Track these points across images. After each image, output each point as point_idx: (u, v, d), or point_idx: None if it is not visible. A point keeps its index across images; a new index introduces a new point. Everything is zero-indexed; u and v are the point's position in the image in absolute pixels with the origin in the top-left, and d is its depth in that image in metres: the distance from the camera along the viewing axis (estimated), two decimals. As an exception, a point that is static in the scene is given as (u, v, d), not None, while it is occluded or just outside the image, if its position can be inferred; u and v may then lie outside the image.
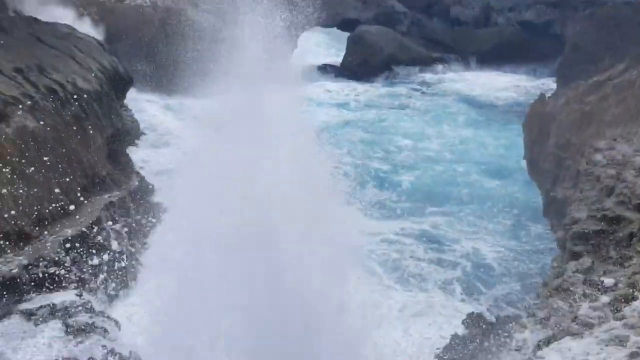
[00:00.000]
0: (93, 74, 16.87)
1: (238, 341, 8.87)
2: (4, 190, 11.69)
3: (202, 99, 29.14)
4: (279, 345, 8.54)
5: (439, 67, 38.01)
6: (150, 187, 17.14)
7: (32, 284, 10.48)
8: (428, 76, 36.88)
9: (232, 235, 8.97)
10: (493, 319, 11.19)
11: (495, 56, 38.13)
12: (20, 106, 13.43)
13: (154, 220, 15.47)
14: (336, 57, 41.48)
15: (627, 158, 9.64)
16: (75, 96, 15.44)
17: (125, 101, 21.28)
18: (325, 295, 8.93)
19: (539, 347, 8.08)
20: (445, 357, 10.91)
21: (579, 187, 10.36)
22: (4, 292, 9.91)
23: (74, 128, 14.94)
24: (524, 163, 17.63)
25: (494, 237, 16.29)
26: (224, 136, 9.73)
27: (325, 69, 40.78)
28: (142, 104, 26.46)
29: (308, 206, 9.01)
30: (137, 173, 17.62)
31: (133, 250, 14.05)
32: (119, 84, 18.50)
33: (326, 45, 46.59)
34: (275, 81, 9.32)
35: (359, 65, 37.36)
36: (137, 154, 19.54)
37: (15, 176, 12.12)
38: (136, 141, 20.49)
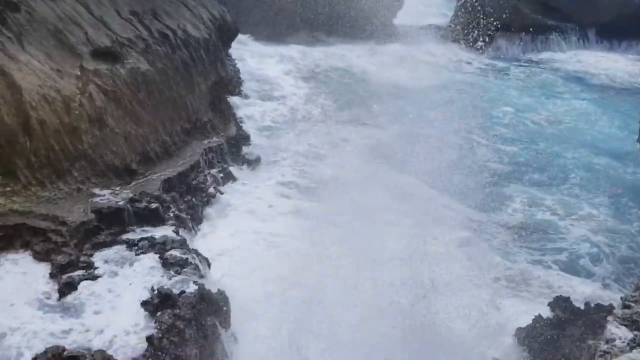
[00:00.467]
0: (203, 22, 17.37)
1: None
2: (117, 129, 12.51)
3: (309, 51, 29.34)
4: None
5: (552, 38, 35.57)
6: (247, 136, 17.63)
7: (135, 217, 11.22)
8: (539, 47, 34.74)
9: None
10: (582, 306, 10.71)
11: (617, 28, 35.13)
12: (135, 49, 14.16)
13: (248, 169, 16.04)
14: (443, 19, 39.88)
15: None
16: (184, 42, 16.05)
17: (235, 49, 21.95)
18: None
19: (629, 345, 7.63)
20: (522, 336, 10.67)
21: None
22: (111, 222, 10.71)
23: (182, 73, 15.60)
24: (637, 146, 16.43)
25: (597, 219, 15.47)
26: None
27: (430, 29, 39.31)
28: (249, 52, 27.03)
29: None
30: (236, 122, 18.18)
31: (226, 195, 14.60)
32: (226, 33, 18.99)
33: (434, 6, 44.79)
34: (378, 39, 9.22)
35: (466, 28, 35.74)
36: (239, 104, 20.02)
37: (127, 116, 12.90)
38: (239, 90, 21.04)
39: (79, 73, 12.33)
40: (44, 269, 9.34)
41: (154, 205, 11.48)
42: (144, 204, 11.45)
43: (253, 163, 16.35)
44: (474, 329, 10.34)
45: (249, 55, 26.92)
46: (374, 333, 9.48)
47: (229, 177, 15.21)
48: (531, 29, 35.32)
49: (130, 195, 11.56)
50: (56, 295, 8.79)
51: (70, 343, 7.79)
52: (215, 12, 18.61)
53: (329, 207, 14.01)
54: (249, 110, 20.01)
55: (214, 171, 15.02)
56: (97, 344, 7.96)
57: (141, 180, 12.59)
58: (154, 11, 15.74)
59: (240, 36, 24.41)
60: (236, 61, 22.75)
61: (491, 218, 15.43)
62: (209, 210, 13.74)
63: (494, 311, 11.30)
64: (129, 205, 11.20)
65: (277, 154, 17.45)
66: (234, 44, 21.97)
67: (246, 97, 21.05)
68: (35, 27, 12.40)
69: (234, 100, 19.76)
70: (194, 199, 13.48)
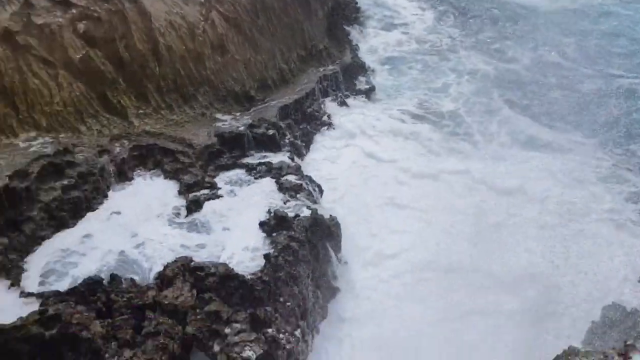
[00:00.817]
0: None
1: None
2: (237, 55, 12.85)
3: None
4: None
5: None
6: (362, 64, 17.40)
7: (254, 141, 11.67)
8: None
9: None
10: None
11: None
12: (255, -26, 14.20)
13: (363, 98, 15.93)
14: None
15: None
16: (302, -33, 15.83)
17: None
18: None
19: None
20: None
21: None
22: (232, 146, 11.24)
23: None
24: None
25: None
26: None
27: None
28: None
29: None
30: (352, 49, 17.94)
31: (339, 123, 14.66)
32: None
33: None
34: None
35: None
36: (356, 34, 19.60)
37: (246, 42, 13.18)
38: (356, 16, 20.59)
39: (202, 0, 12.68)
40: (173, 186, 10.10)
41: (271, 132, 11.84)
42: (262, 130, 11.84)
43: (368, 92, 16.19)
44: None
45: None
46: None
47: (343, 105, 15.23)
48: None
49: (250, 121, 11.99)
50: (184, 211, 9.52)
51: (195, 255, 8.47)
52: None
53: (448, 135, 13.81)
54: (367, 40, 19.60)
55: (328, 99, 15.11)
56: (219, 258, 8.59)
57: (259, 107, 12.99)
58: None
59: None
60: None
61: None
62: (322, 138, 13.92)
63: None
64: (248, 131, 11.64)
65: (395, 85, 17.14)
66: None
67: (363, 25, 20.55)
68: (163, -46, 12.79)
69: (351, 29, 19.41)
70: (308, 126, 13.72)
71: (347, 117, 14.62)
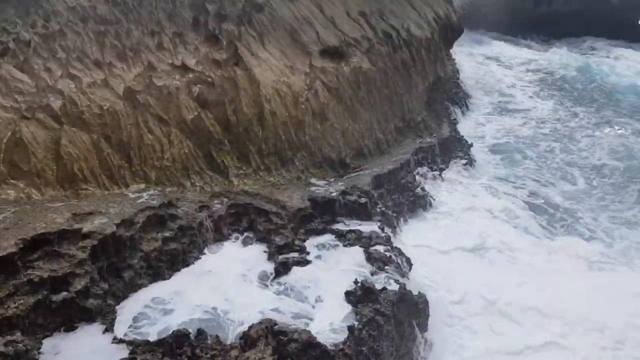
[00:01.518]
0: (427, 22, 17.41)
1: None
2: (336, 124, 13.22)
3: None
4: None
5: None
6: (463, 141, 17.20)
7: (345, 208, 11.76)
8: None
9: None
10: None
11: None
12: (359, 48, 14.77)
13: (461, 172, 15.71)
14: None
15: None
16: (406, 42, 16.27)
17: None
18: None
19: None
20: None
21: None
22: (324, 211, 11.38)
23: (401, 72, 15.86)
24: None
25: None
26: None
27: None
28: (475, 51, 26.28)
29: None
30: (450, 123, 17.91)
31: (433, 197, 14.50)
32: (450, 33, 18.74)
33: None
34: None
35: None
36: (457, 113, 19.53)
37: (346, 111, 13.56)
38: (457, 92, 20.60)
39: (308, 70, 13.29)
40: (264, 247, 10.31)
41: (363, 200, 11.89)
42: (354, 198, 11.92)
43: (467, 167, 15.97)
44: None
45: (474, 55, 26.33)
46: None
47: (438, 179, 15.08)
48: None
49: (343, 187, 12.13)
50: (272, 273, 9.65)
51: (279, 319, 8.48)
52: (440, 10, 18.54)
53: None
54: (467, 120, 19.47)
55: (423, 171, 15.04)
56: (302, 324, 8.55)
57: (353, 175, 13.15)
58: (381, 11, 16.23)
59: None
60: (455, 61, 22.38)
61: None
62: (415, 210, 13.79)
63: None
64: (340, 197, 11.76)
65: (498, 164, 16.71)
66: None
67: (466, 107, 20.43)
68: (275, 27, 13.68)
69: (450, 105, 19.41)
70: (400, 197, 13.66)
71: (441, 190, 14.41)
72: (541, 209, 14.34)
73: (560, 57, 27.93)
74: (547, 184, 15.70)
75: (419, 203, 13.90)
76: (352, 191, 12.12)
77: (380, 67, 15.10)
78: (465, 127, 18.66)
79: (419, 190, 14.22)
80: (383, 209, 12.70)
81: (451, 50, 21.29)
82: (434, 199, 14.17)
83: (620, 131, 19.07)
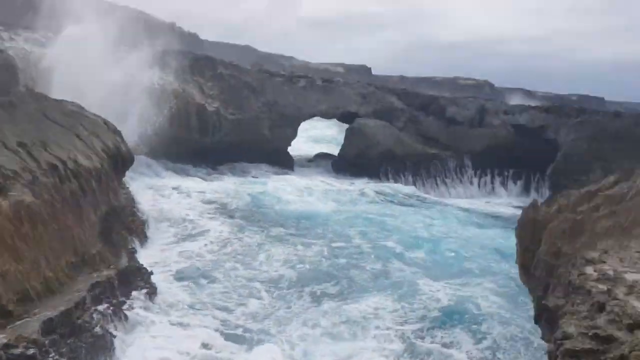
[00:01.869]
0: (95, 152, 17.17)
1: None
2: (-7, 266, 11.57)
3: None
4: None
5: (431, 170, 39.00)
6: (143, 269, 16.79)
7: (9, 365, 10.12)
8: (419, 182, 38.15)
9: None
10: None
11: (488, 156, 39.12)
12: (20, 180, 13.57)
13: (142, 304, 15.20)
14: (335, 147, 42.77)
15: (618, 274, 9.64)
16: (74, 173, 15.65)
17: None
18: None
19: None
20: None
21: (570, 300, 10.29)
22: (-21, 373, 9.56)
23: (70, 204, 15.03)
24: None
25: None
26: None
27: (322, 158, 41.82)
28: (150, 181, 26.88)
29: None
30: (129, 252, 17.48)
31: (115, 332, 13.65)
32: (121, 162, 18.79)
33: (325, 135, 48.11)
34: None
35: (356, 157, 38.24)
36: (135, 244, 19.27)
37: (6, 252, 12.02)
38: (133, 219, 20.36)
39: (-47, 208, 11.51)
40: None
41: (31, 351, 10.48)
42: (20, 350, 10.42)
43: (147, 298, 15.54)
44: None
45: (149, 184, 26.97)
46: None
47: (118, 314, 14.28)
48: (414, 157, 38.64)
49: (5, 340, 10.48)
50: None
51: None
52: (108, 141, 18.52)
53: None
54: (147, 249, 19.32)
55: (102, 308, 14.06)
56: None
57: (18, 323, 11.50)
58: (44, 142, 15.40)
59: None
60: (130, 188, 22.37)
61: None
62: (96, 353, 12.66)
63: None
64: (2, 352, 10.12)
65: (176, 292, 16.71)
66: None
67: (145, 236, 20.36)
68: None
69: (130, 236, 19.06)
70: (78, 341, 12.42)
71: (123, 327, 13.65)
72: (239, 337, 14.61)
73: (233, 184, 30.98)
74: (235, 307, 16.26)
75: (99, 345, 12.83)
76: (17, 342, 10.56)
77: (47, 199, 14.05)
78: (146, 255, 18.41)
79: (97, 329, 13.18)
80: (56, 357, 11.34)
81: (124, 180, 21.24)
82: (114, 337, 13.29)
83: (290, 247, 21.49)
